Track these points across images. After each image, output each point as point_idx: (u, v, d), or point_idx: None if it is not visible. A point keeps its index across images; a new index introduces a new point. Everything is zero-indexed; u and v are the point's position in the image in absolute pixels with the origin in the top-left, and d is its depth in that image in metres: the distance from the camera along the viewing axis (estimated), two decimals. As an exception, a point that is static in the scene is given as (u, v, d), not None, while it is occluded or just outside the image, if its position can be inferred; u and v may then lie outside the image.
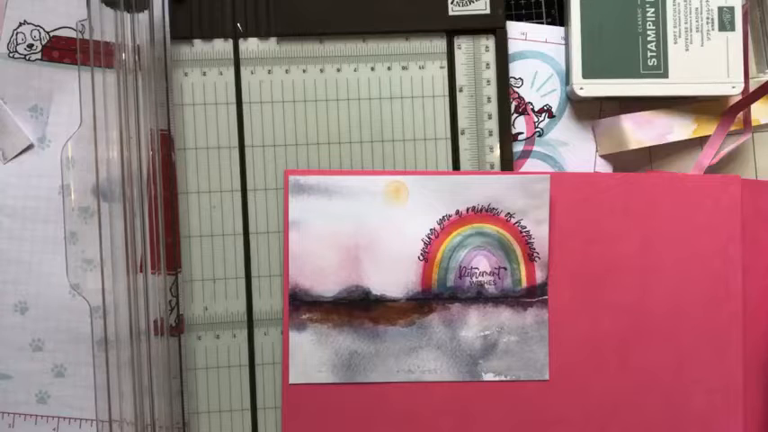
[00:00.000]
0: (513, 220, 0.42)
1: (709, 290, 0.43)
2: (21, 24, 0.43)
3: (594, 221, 0.42)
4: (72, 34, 0.43)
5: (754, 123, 0.45)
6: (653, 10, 0.43)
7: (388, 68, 0.43)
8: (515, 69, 0.45)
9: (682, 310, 0.43)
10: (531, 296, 0.42)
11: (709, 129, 0.45)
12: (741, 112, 0.45)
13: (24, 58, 0.43)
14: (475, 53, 0.44)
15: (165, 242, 0.41)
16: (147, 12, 0.40)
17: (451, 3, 0.43)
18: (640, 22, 0.43)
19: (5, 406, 0.43)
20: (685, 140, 0.45)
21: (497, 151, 0.43)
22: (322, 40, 0.43)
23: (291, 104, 0.43)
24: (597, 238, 0.42)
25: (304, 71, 0.43)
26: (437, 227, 0.42)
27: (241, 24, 0.43)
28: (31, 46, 0.43)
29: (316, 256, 0.42)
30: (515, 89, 0.45)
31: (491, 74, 0.44)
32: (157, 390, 0.40)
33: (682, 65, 0.43)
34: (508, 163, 0.43)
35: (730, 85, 0.43)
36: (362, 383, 0.42)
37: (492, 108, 0.44)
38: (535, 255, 0.42)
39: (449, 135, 0.44)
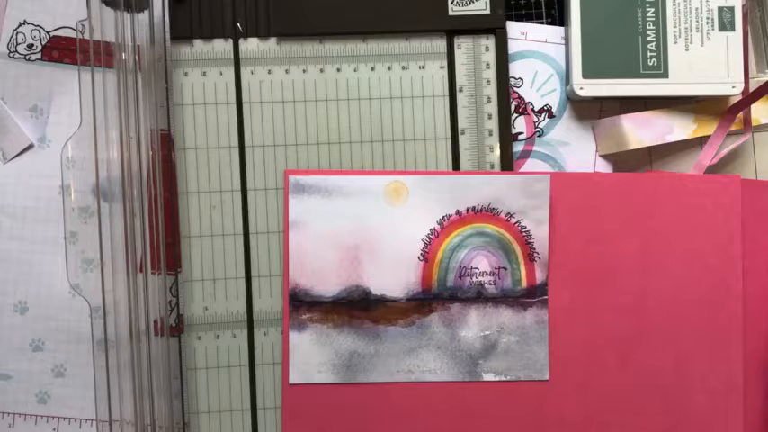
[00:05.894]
0: (513, 220, 0.42)
1: (709, 290, 0.43)
2: (21, 24, 0.43)
3: (594, 221, 0.42)
4: (72, 34, 0.43)
5: (754, 123, 0.45)
6: (653, 10, 0.43)
7: (388, 68, 0.43)
8: (515, 69, 0.45)
9: (682, 310, 0.43)
10: (531, 296, 0.42)
11: (709, 129, 0.45)
12: (741, 112, 0.45)
13: (24, 58, 0.43)
14: (475, 53, 0.44)
15: (165, 242, 0.41)
16: (147, 12, 0.40)
17: (451, 3, 0.43)
18: (640, 22, 0.43)
19: (5, 406, 0.43)
20: (685, 140, 0.45)
21: (497, 151, 0.43)
22: (322, 40, 0.43)
23: (291, 104, 0.43)
24: (597, 238, 0.42)
25: (304, 71, 0.43)
26: (437, 227, 0.42)
27: (241, 24, 0.43)
28: (31, 46, 0.43)
29: (316, 256, 0.42)
30: (515, 89, 0.45)
31: (491, 74, 0.44)
32: (157, 390, 0.40)
33: (682, 65, 0.43)
34: (508, 163, 0.43)
35: (730, 85, 0.43)
36: (362, 383, 0.42)
37: (492, 108, 0.44)
38: (535, 255, 0.42)
39: (449, 135, 0.44)
